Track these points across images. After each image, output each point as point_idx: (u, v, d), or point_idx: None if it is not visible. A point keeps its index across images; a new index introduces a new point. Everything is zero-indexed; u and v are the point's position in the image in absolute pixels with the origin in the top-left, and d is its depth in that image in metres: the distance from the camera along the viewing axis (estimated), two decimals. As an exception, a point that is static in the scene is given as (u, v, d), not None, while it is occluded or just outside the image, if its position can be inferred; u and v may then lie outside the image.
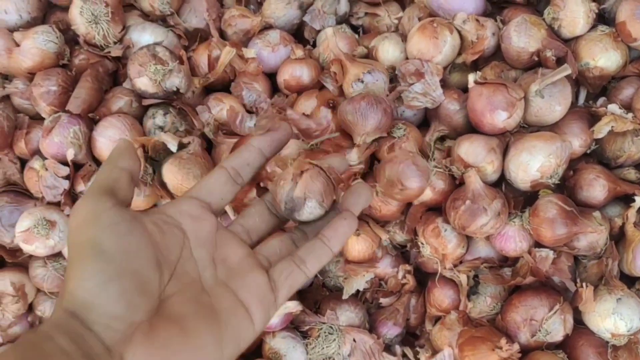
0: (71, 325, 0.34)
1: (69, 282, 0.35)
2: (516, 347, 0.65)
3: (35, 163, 0.76)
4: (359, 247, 0.74)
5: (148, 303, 0.36)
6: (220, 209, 0.45)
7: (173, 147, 0.73)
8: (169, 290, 0.39)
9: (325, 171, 0.46)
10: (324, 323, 0.76)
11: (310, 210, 0.45)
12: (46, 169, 0.74)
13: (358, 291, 0.77)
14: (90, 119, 0.76)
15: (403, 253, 0.79)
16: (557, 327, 0.66)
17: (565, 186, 0.71)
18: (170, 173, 0.72)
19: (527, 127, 0.72)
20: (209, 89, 0.82)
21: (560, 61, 0.69)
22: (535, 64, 0.72)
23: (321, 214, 0.46)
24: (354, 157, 0.72)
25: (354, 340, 0.75)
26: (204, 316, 0.39)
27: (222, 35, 0.82)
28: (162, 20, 0.82)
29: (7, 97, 0.80)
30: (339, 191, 0.47)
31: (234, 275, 0.42)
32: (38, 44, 0.75)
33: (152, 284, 0.37)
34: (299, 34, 0.85)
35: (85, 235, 0.36)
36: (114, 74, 0.81)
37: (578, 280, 0.69)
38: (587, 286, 0.66)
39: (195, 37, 0.82)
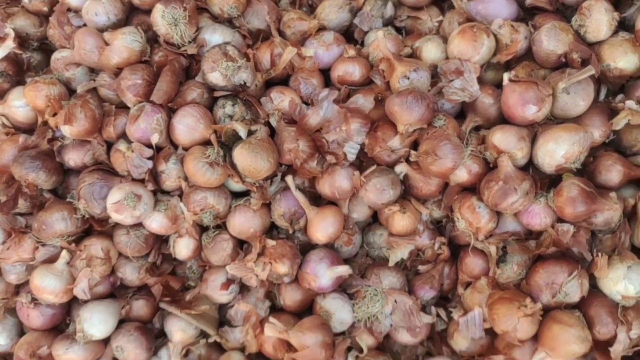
0: None
1: None
2: (539, 305, 0.77)
3: (121, 145, 0.87)
4: (403, 222, 0.85)
5: None
6: None
7: (243, 134, 0.84)
8: None
9: None
10: (369, 286, 0.87)
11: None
12: (132, 151, 0.86)
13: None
14: (169, 108, 0.87)
15: (438, 227, 0.90)
16: (574, 290, 0.77)
17: (586, 171, 0.82)
18: (241, 156, 0.83)
19: (553, 119, 0.82)
20: (268, 82, 0.93)
21: (584, 62, 0.79)
22: (562, 64, 0.82)
23: None
24: (397, 144, 0.83)
25: (395, 301, 0.87)
26: None
27: (281, 35, 0.93)
28: (228, 22, 0.93)
29: (94, 89, 0.91)
30: None
31: None
32: (126, 43, 0.86)
33: None
34: (347, 34, 0.95)
35: None
36: (187, 69, 0.92)
37: (594, 251, 0.80)
38: (602, 256, 0.77)
39: (258, 37, 0.92)
